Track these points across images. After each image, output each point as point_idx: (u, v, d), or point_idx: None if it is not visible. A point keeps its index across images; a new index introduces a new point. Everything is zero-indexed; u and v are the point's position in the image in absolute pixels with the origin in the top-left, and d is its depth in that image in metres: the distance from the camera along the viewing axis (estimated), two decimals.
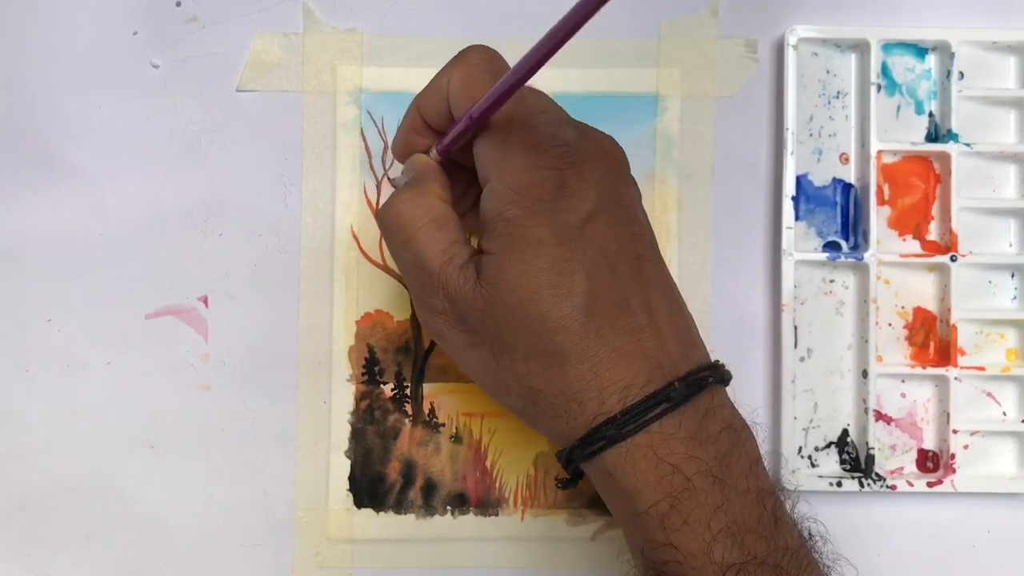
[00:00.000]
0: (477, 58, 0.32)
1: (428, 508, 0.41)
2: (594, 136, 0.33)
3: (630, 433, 0.30)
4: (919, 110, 0.41)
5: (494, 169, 0.31)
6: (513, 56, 0.40)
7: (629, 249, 0.32)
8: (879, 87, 0.41)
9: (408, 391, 0.41)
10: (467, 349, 0.32)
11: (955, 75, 0.40)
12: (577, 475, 0.33)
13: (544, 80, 0.40)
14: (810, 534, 0.33)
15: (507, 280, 0.30)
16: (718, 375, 0.32)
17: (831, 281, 0.41)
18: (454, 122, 0.32)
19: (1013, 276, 0.41)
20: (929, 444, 0.41)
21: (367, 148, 0.41)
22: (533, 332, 0.30)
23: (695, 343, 0.32)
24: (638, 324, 0.31)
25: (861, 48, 0.41)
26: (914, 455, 0.41)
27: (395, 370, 0.41)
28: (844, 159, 0.41)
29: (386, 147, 0.41)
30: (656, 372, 0.30)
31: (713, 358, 0.33)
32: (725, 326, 0.41)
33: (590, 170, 0.31)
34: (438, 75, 0.33)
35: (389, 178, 0.40)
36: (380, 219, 0.34)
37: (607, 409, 0.30)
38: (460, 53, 0.33)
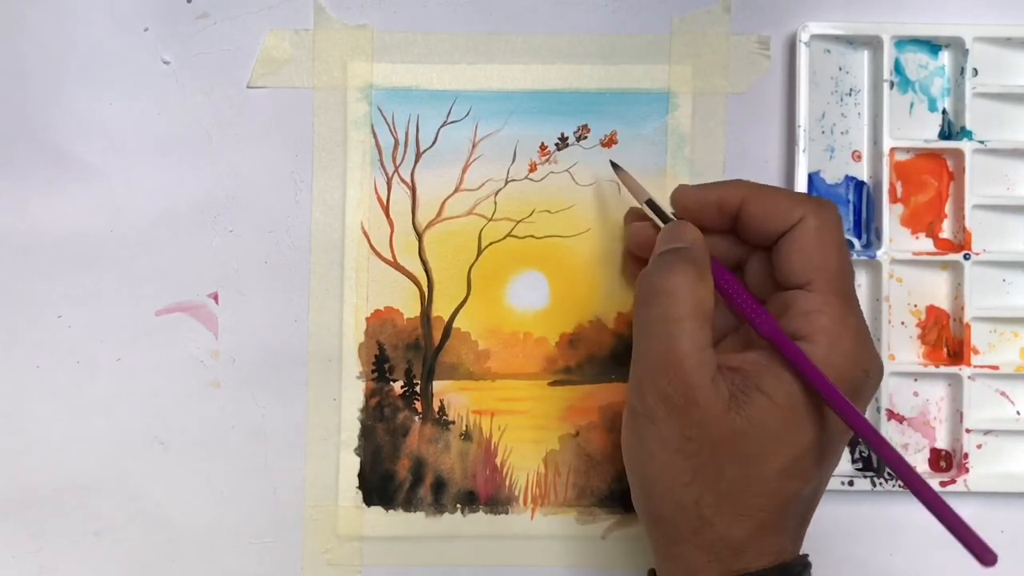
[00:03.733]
0: (836, 216, 0.33)
1: (438, 506, 0.41)
2: None
3: None
4: (932, 107, 0.41)
5: (831, 337, 0.32)
6: (518, 53, 0.40)
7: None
8: (892, 84, 0.40)
9: (418, 388, 0.41)
10: (667, 449, 0.32)
11: (969, 71, 0.40)
12: None
13: (556, 76, 0.40)
14: None
15: (769, 433, 0.31)
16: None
17: None
18: (746, 295, 0.34)
19: None
20: (942, 443, 0.41)
21: (378, 144, 0.40)
22: (751, 485, 0.31)
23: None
24: (811, 517, 0.34)
25: (874, 45, 0.40)
26: (927, 454, 0.41)
27: (405, 367, 0.41)
28: (856, 156, 0.41)
29: (396, 143, 0.41)
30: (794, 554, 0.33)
31: None
32: None
33: (871, 390, 0.33)
34: (784, 196, 0.34)
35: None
36: (648, 282, 0.33)
37: (745, 567, 0.31)
38: (817, 199, 0.34)
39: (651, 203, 0.37)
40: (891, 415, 0.41)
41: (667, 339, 0.32)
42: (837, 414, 0.31)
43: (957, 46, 0.40)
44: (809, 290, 0.33)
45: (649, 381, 0.32)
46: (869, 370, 0.32)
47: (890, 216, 0.40)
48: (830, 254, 0.33)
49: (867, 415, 0.40)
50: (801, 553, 0.33)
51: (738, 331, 0.36)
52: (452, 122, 0.40)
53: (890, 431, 0.40)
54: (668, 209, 0.36)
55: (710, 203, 0.34)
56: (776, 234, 0.33)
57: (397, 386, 0.41)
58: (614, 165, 0.39)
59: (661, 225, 0.36)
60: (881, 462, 0.40)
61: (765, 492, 0.31)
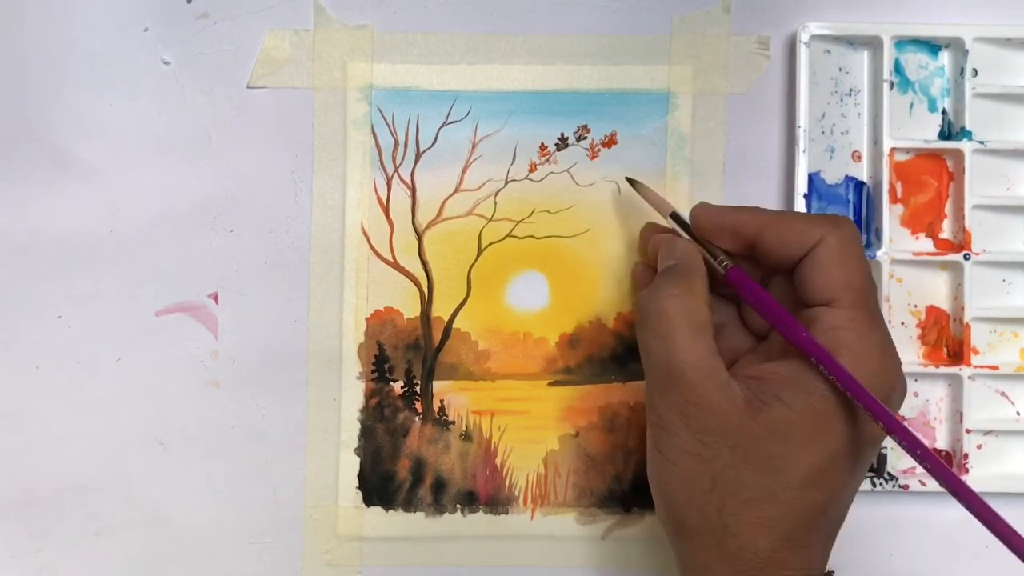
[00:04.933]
0: (855, 233, 0.34)
1: (438, 506, 0.41)
2: None
3: None
4: (932, 107, 0.41)
5: (855, 353, 0.32)
6: (518, 53, 0.40)
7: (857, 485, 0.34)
8: (892, 84, 0.40)
9: (418, 388, 0.41)
10: (687, 455, 0.32)
11: (969, 72, 0.40)
12: None
13: (556, 76, 0.40)
14: None
15: (788, 440, 0.31)
16: None
17: None
18: (775, 303, 0.34)
19: None
20: (942, 444, 0.41)
21: (378, 145, 0.40)
22: (773, 493, 0.31)
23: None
24: (838, 531, 0.33)
25: (874, 45, 0.40)
26: None
27: (405, 367, 0.41)
28: (856, 157, 0.41)
29: (396, 144, 0.41)
30: (820, 570, 0.33)
31: None
32: None
33: (896, 406, 0.33)
34: (802, 220, 0.34)
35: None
36: (641, 306, 0.34)
37: None
38: (833, 218, 0.34)
39: (675, 216, 0.37)
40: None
41: (666, 355, 0.32)
42: (873, 417, 0.31)
43: (957, 46, 0.40)
44: (834, 307, 0.33)
45: (659, 396, 0.33)
46: (895, 386, 0.33)
47: (890, 216, 0.40)
48: (853, 271, 0.33)
49: None
50: (828, 571, 0.34)
51: (758, 347, 0.36)
52: (452, 122, 0.40)
53: None
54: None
55: (726, 228, 0.35)
56: (796, 259, 0.34)
57: (397, 386, 0.41)
58: (632, 182, 0.39)
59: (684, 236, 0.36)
60: (882, 462, 0.40)
61: (786, 501, 0.31)
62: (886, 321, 0.39)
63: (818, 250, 0.33)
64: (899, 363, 0.33)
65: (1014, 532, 0.28)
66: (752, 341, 0.36)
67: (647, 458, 0.34)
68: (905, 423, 0.30)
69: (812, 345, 0.32)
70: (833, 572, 0.33)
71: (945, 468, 0.30)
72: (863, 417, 0.32)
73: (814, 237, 0.33)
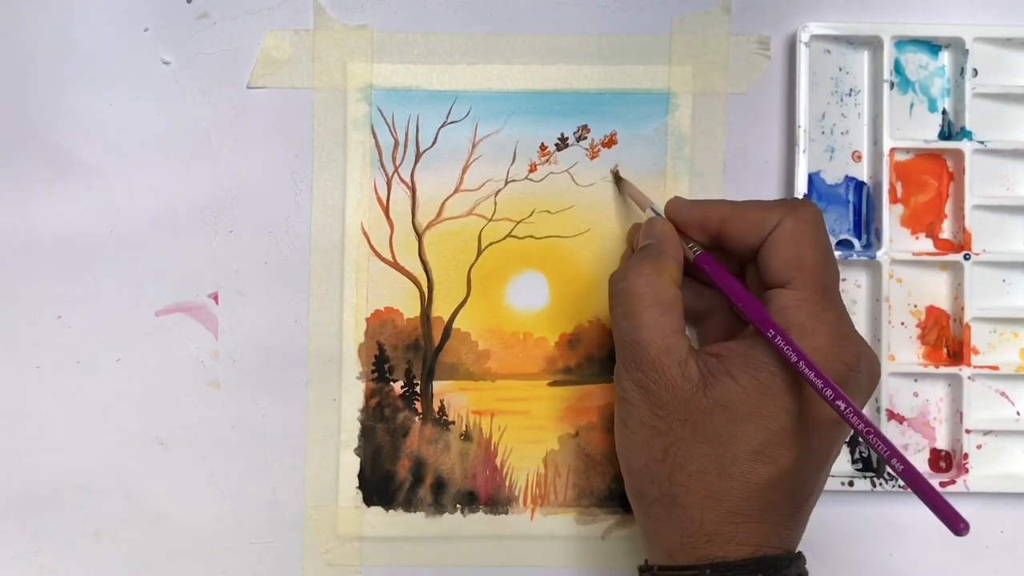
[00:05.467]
0: (813, 215, 0.34)
1: (438, 506, 0.41)
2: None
3: None
4: (932, 107, 0.41)
5: (804, 331, 0.33)
6: (518, 53, 0.40)
7: (832, 456, 0.34)
8: (892, 84, 0.40)
9: (418, 388, 0.41)
10: (644, 427, 0.34)
11: (969, 72, 0.40)
12: None
13: (556, 77, 0.40)
14: None
15: (734, 414, 0.32)
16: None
17: (843, 279, 0.41)
18: (735, 283, 0.34)
19: None
20: (942, 444, 0.41)
21: (378, 145, 0.40)
22: (721, 466, 0.32)
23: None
24: (802, 512, 0.34)
25: (874, 45, 0.40)
26: (927, 455, 0.41)
27: (405, 367, 0.41)
28: (856, 157, 0.41)
29: (396, 144, 0.41)
30: (780, 549, 0.33)
31: None
32: None
33: (862, 387, 0.33)
34: (760, 208, 0.35)
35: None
36: (611, 283, 0.35)
37: (722, 555, 0.32)
38: (792, 202, 0.35)
39: (654, 211, 0.37)
40: (891, 415, 0.41)
41: (632, 331, 0.34)
42: (818, 392, 0.31)
43: (957, 46, 0.40)
44: (788, 287, 0.34)
45: (624, 371, 0.34)
46: (852, 364, 0.33)
47: (890, 216, 0.40)
48: (805, 253, 0.34)
49: (867, 414, 0.40)
50: (798, 551, 0.34)
51: (742, 332, 0.36)
52: (452, 122, 0.40)
53: (890, 431, 0.40)
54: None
55: (692, 223, 0.36)
56: (756, 245, 0.35)
57: (397, 386, 0.41)
58: (616, 177, 0.39)
59: None
60: (881, 462, 0.40)
61: (735, 475, 0.32)
62: (886, 321, 0.40)
63: (774, 234, 0.34)
64: (858, 342, 0.34)
65: (942, 500, 0.29)
66: (740, 327, 0.37)
67: (615, 429, 0.36)
68: (847, 399, 0.31)
69: (766, 322, 0.33)
70: (800, 553, 0.33)
71: (884, 439, 0.30)
72: (813, 395, 0.32)
73: (771, 223, 0.34)
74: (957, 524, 0.28)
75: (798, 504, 0.33)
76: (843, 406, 0.30)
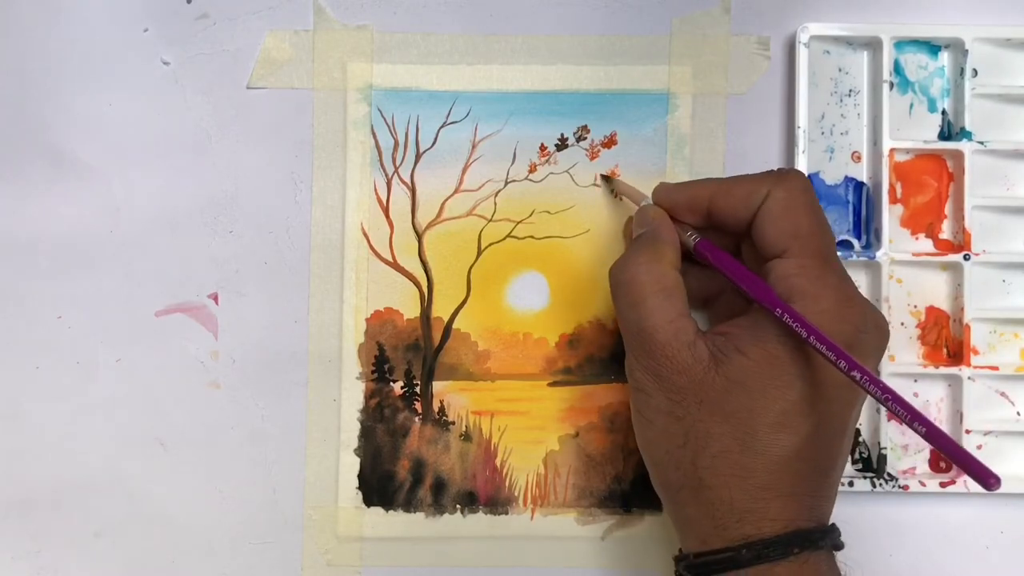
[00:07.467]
0: (802, 183, 0.34)
1: (438, 507, 0.41)
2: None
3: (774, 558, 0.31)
4: (932, 108, 0.41)
5: (808, 298, 0.33)
6: (518, 54, 0.40)
7: (851, 420, 0.34)
8: (892, 85, 0.40)
9: (418, 389, 0.41)
10: (661, 414, 0.34)
11: (968, 72, 0.40)
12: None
13: (556, 77, 0.40)
14: None
15: (749, 390, 0.32)
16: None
17: None
18: (738, 265, 0.34)
19: None
20: None
21: (377, 145, 0.40)
22: (743, 443, 0.32)
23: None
24: (830, 481, 0.34)
25: (873, 46, 0.40)
26: (927, 455, 0.41)
27: (405, 368, 0.41)
28: (856, 157, 0.41)
29: (396, 144, 0.41)
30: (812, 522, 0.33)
31: None
32: None
33: (872, 348, 0.34)
34: (748, 181, 0.35)
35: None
36: (611, 276, 0.35)
37: (755, 533, 0.32)
38: (779, 172, 0.35)
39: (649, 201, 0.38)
40: (891, 416, 0.40)
41: (638, 320, 0.34)
42: (831, 361, 0.31)
43: (957, 47, 0.40)
44: (785, 256, 0.34)
45: (635, 360, 0.34)
46: (859, 325, 0.33)
47: (890, 217, 0.40)
48: (800, 219, 0.34)
49: (867, 415, 0.40)
50: (831, 523, 0.34)
51: (750, 309, 0.36)
52: (452, 123, 0.40)
53: (890, 432, 0.40)
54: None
55: (681, 204, 0.36)
56: (748, 219, 0.35)
57: (397, 387, 0.41)
58: (604, 177, 0.40)
59: None
60: (881, 462, 0.40)
61: (757, 449, 0.32)
62: (885, 320, 0.39)
63: (765, 205, 0.34)
64: (862, 303, 0.34)
65: (971, 457, 0.29)
66: (748, 307, 0.37)
67: (633, 422, 0.35)
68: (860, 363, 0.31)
69: (773, 301, 0.33)
70: (834, 524, 0.33)
71: (904, 402, 0.30)
72: (821, 360, 0.32)
73: (761, 194, 0.34)
74: (988, 479, 0.28)
75: (824, 472, 0.33)
76: (859, 376, 0.30)
